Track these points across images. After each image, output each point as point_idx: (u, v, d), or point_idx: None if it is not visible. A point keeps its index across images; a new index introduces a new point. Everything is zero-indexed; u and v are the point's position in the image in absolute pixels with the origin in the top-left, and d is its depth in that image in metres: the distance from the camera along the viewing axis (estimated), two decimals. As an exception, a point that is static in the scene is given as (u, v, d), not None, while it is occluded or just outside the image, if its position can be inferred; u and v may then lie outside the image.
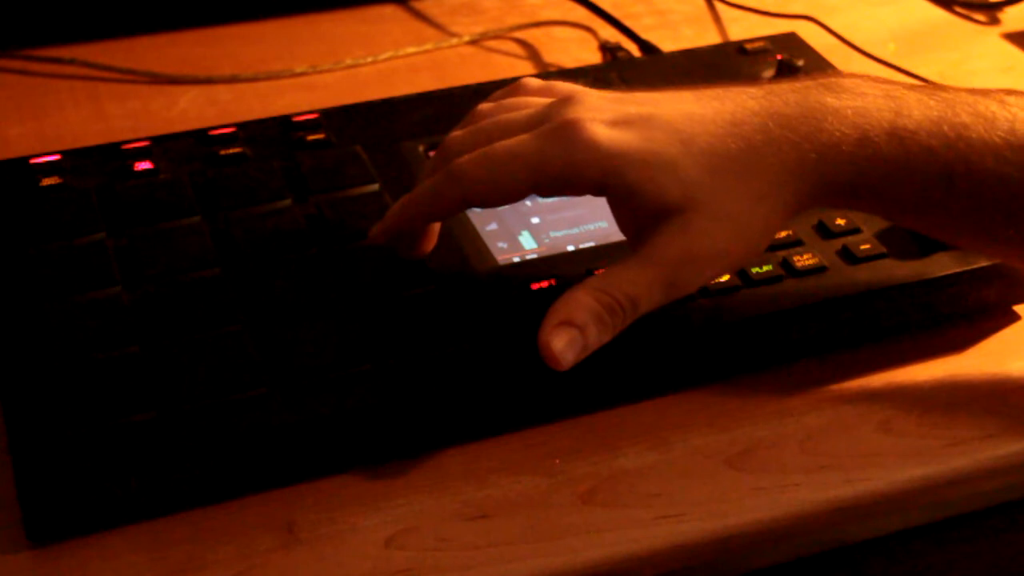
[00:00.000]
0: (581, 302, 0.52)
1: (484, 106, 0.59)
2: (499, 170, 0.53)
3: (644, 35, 0.84)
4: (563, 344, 0.52)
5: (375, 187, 0.65)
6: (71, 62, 0.82)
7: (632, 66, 0.77)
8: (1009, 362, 0.61)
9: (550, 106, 0.55)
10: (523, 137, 0.54)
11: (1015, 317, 0.64)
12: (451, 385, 0.55)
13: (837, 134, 0.53)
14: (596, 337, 0.52)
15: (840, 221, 0.63)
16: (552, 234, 0.64)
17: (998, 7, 0.91)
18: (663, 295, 0.53)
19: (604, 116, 0.53)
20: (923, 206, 0.55)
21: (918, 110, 0.54)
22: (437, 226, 0.60)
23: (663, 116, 0.54)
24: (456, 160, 0.54)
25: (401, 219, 0.57)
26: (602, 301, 0.52)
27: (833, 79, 0.56)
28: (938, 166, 0.54)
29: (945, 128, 0.54)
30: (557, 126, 0.53)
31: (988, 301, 0.63)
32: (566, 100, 0.55)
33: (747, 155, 0.53)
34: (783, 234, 0.62)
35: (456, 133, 0.57)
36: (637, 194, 0.52)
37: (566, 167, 0.53)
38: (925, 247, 0.62)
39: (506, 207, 0.65)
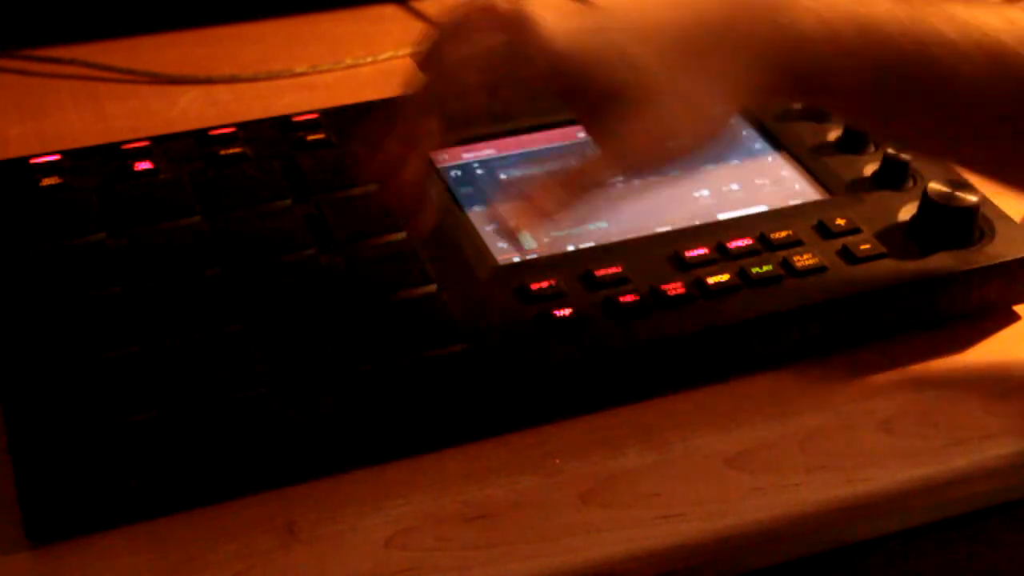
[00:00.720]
0: (546, 186, 0.53)
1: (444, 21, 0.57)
2: (456, 72, 0.54)
3: (644, 35, 0.84)
4: (526, 222, 0.54)
5: (375, 187, 0.65)
6: (71, 62, 0.82)
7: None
8: (1009, 362, 0.61)
9: (503, 6, 0.54)
10: (477, 39, 0.54)
11: (1015, 317, 0.64)
12: (451, 385, 0.55)
13: (802, 24, 0.53)
14: (556, 213, 0.54)
15: (840, 221, 0.63)
16: (552, 234, 0.64)
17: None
18: (621, 172, 0.54)
19: (555, 11, 0.53)
20: (885, 105, 0.55)
21: (884, 7, 0.54)
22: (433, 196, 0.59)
23: (617, 7, 0.54)
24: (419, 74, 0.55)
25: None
26: (567, 188, 0.53)
27: None
28: (903, 64, 0.53)
29: (912, 27, 0.54)
30: (508, 21, 0.53)
31: (988, 301, 0.63)
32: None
33: (705, 38, 0.53)
34: (783, 234, 0.62)
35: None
36: (594, 86, 0.53)
37: (520, 63, 0.53)
38: (925, 247, 0.62)
39: (507, 207, 0.65)
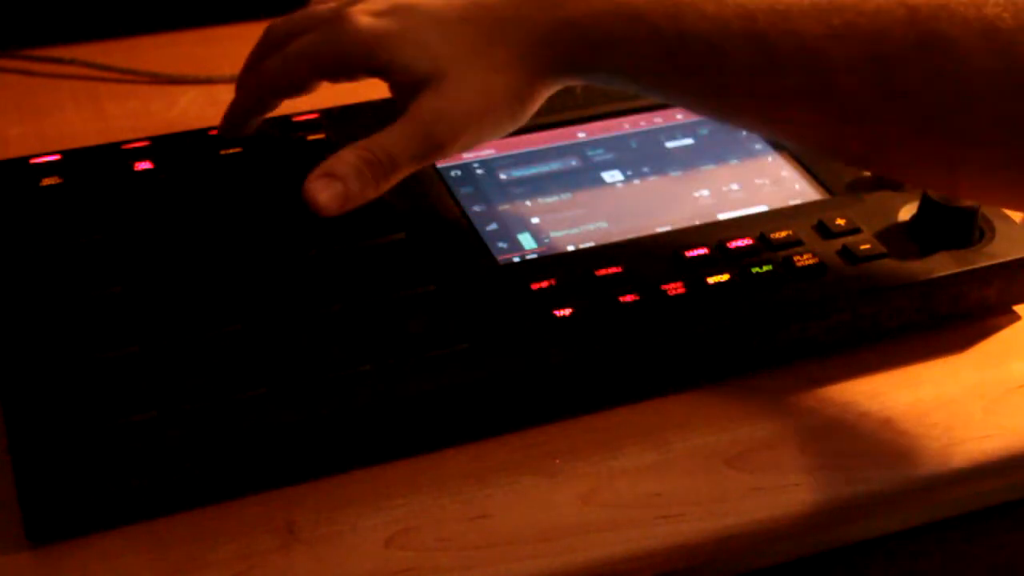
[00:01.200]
0: (343, 157, 0.58)
1: (278, 22, 0.65)
2: (290, 65, 0.61)
3: (644, 35, 0.84)
4: (327, 195, 0.57)
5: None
6: (71, 62, 0.82)
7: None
8: (1009, 362, 0.61)
9: (328, 9, 0.62)
10: (305, 37, 0.62)
11: (1015, 317, 0.64)
12: (451, 385, 0.55)
13: (574, 11, 0.58)
14: (358, 189, 0.58)
15: (840, 221, 0.63)
16: (552, 234, 0.64)
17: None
18: (422, 150, 0.59)
19: (368, 8, 0.60)
20: (659, 80, 0.58)
21: None
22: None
23: (422, 2, 0.60)
24: (261, 65, 0.63)
25: (235, 108, 0.65)
26: (363, 156, 0.58)
27: None
28: (665, 40, 0.56)
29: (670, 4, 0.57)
30: (328, 20, 0.61)
31: (988, 301, 0.63)
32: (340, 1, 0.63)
33: (492, 28, 0.59)
34: (783, 234, 0.62)
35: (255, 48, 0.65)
36: (396, 69, 0.59)
37: (338, 54, 0.60)
38: (925, 247, 0.62)
39: (507, 207, 0.65)
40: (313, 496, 0.53)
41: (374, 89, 0.64)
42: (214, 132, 0.68)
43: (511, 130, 0.61)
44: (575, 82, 0.61)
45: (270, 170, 0.66)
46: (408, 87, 0.59)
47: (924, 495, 0.56)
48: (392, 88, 0.61)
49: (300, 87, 0.62)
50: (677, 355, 0.58)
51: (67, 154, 0.67)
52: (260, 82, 0.63)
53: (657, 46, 0.56)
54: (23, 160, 0.66)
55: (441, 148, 0.59)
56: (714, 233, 0.62)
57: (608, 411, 0.58)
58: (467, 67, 0.58)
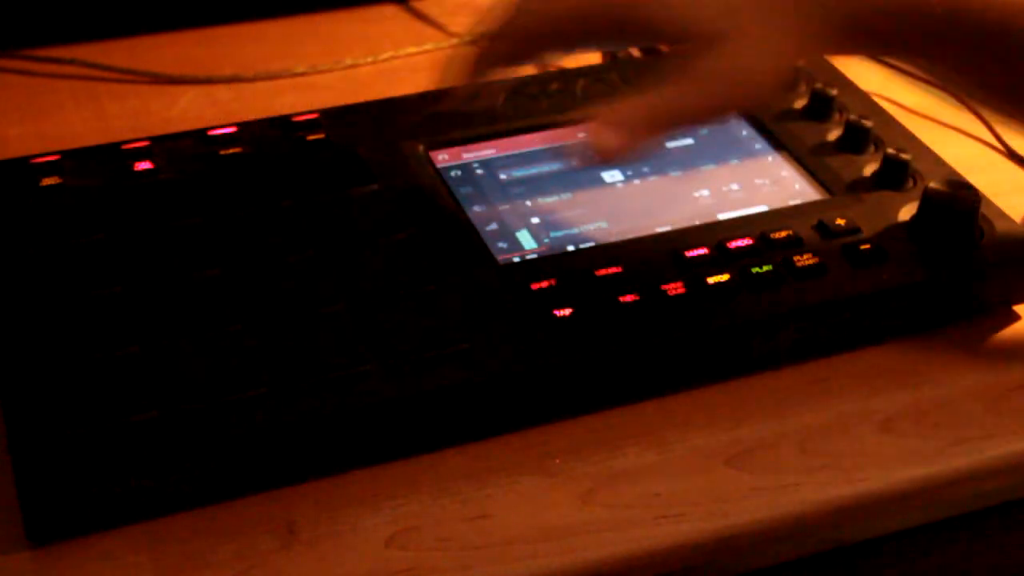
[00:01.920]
0: (628, 108, 0.57)
1: None
2: (561, 24, 0.59)
3: (644, 35, 0.84)
4: (608, 142, 0.57)
5: (375, 187, 0.65)
6: (71, 62, 0.82)
7: (632, 66, 0.77)
8: (1009, 362, 0.61)
9: None
10: None
11: (1015, 317, 0.64)
12: (451, 385, 0.55)
13: None
14: (637, 142, 0.57)
15: (840, 221, 0.63)
16: (552, 234, 0.64)
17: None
18: (706, 109, 0.58)
19: None
20: (956, 57, 0.58)
21: None
22: None
23: None
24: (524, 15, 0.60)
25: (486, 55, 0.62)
26: (649, 109, 0.57)
27: None
28: (970, 12, 0.56)
29: None
30: None
31: (988, 301, 0.63)
32: None
33: None
34: (783, 234, 0.62)
35: None
36: (684, 16, 0.57)
37: (615, 17, 0.58)
38: (925, 247, 0.62)
39: (507, 207, 0.65)
40: (313, 496, 0.53)
41: (374, 89, 0.64)
42: (214, 132, 0.68)
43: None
44: (860, 53, 0.61)
45: (270, 170, 0.66)
46: (690, 43, 0.57)
47: (924, 495, 0.56)
48: (667, 39, 0.60)
49: (567, 48, 0.62)
50: (677, 355, 0.58)
51: (67, 154, 0.67)
52: (523, 35, 0.60)
53: (964, 26, 0.56)
54: (23, 160, 0.66)
55: (724, 109, 0.59)
56: (714, 233, 0.62)
57: (608, 411, 0.58)
58: (754, 28, 0.57)
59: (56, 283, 0.58)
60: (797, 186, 0.67)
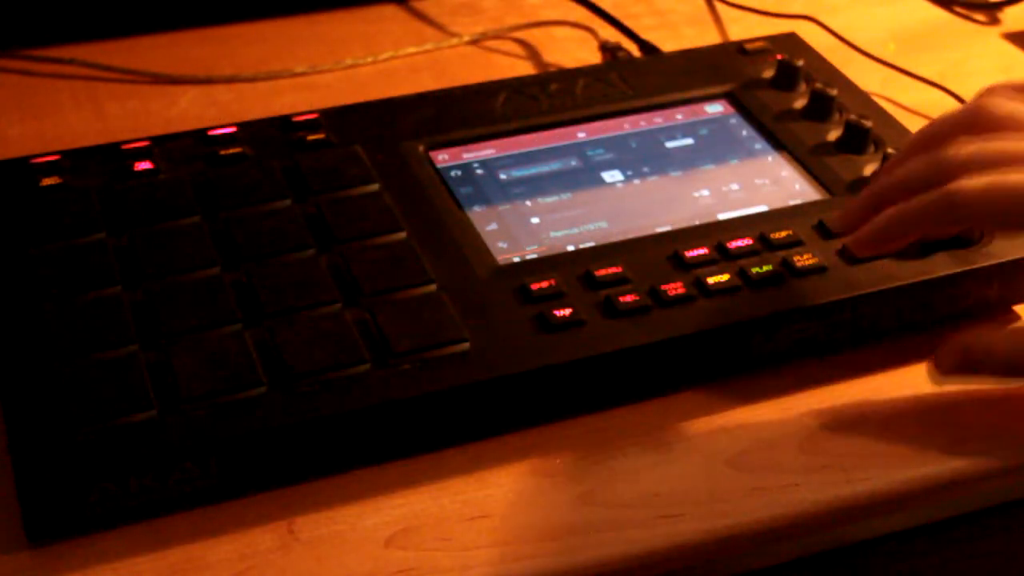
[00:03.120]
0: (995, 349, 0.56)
1: (966, 115, 0.57)
2: (1011, 207, 0.52)
3: (644, 35, 0.84)
4: (950, 366, 0.56)
5: (375, 187, 0.65)
6: (71, 62, 0.82)
7: (632, 66, 0.77)
8: (1009, 362, 0.61)
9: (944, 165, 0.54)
10: (916, 201, 0.54)
11: (1015, 317, 0.64)
12: (451, 385, 0.55)
13: None
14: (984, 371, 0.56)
15: (840, 221, 0.63)
16: (552, 234, 0.64)
17: (998, 7, 0.91)
18: None
19: (978, 163, 0.53)
20: None
21: None
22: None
23: None
24: (959, 184, 0.53)
25: (878, 228, 0.56)
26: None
27: None
28: None
29: None
30: (937, 188, 0.53)
31: (988, 301, 0.63)
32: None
33: None
34: (783, 234, 0.62)
35: (957, 147, 0.55)
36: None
37: (948, 221, 0.53)
38: (925, 247, 0.62)
39: (507, 207, 0.65)
40: (313, 496, 0.53)
41: (374, 89, 0.64)
42: (214, 132, 0.68)
43: None
44: None
45: (270, 170, 0.66)
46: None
47: (924, 495, 0.56)
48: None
49: (1008, 228, 0.59)
50: (677, 355, 0.58)
51: (67, 154, 0.67)
52: (960, 206, 0.53)
53: None
54: (23, 160, 0.66)
55: None
56: (714, 233, 0.62)
57: (608, 411, 0.58)
58: None
59: (56, 283, 0.58)
60: (797, 186, 0.67)
